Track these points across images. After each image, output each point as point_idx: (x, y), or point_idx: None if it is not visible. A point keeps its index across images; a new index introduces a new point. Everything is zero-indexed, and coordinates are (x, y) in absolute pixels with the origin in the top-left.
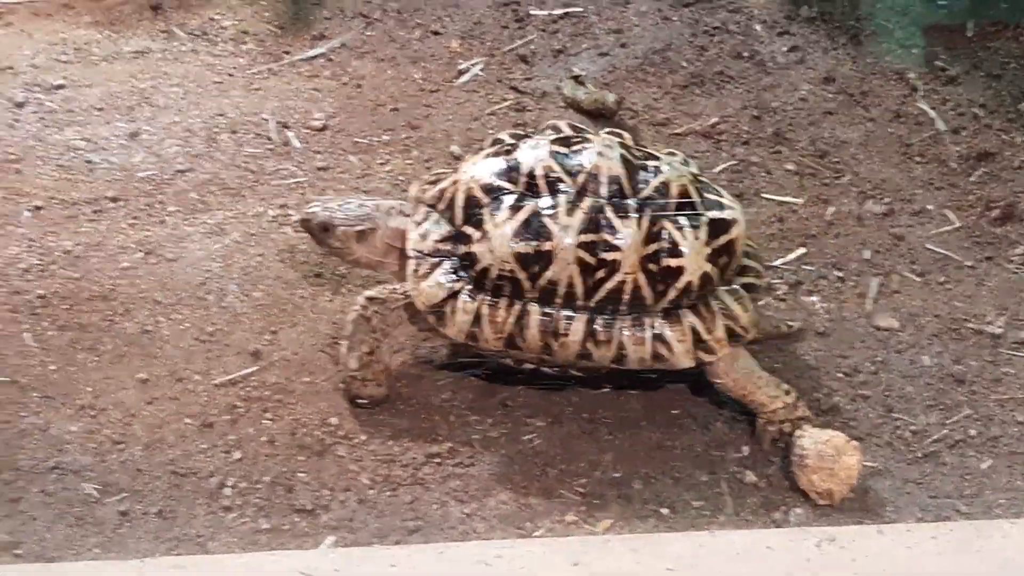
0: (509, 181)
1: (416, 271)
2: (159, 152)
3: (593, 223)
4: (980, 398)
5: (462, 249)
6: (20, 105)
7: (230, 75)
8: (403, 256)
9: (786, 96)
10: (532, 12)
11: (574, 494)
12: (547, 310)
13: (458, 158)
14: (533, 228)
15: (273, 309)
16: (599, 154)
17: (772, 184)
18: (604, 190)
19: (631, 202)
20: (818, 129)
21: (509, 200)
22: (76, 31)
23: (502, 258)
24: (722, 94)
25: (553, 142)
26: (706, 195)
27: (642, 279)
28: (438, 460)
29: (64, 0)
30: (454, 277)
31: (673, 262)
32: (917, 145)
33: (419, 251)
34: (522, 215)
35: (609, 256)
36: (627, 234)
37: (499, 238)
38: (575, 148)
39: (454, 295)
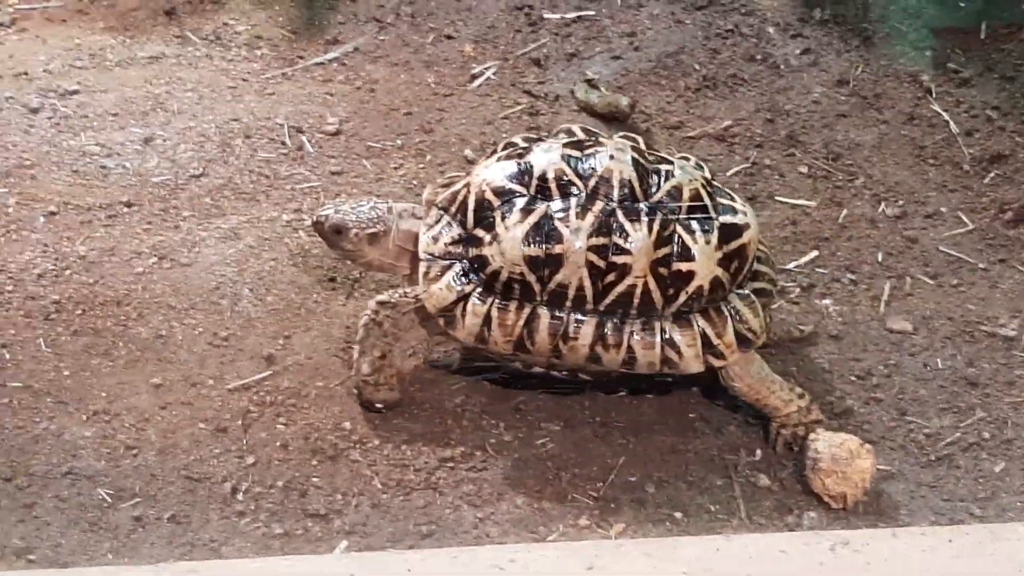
0: (521, 184)
1: (427, 274)
2: (173, 157)
3: (604, 226)
4: (994, 401)
5: (473, 252)
6: (35, 111)
7: (244, 80)
8: (415, 259)
9: (799, 99)
10: (545, 16)
11: (587, 498)
12: (557, 313)
13: (472, 162)
14: (544, 231)
15: (287, 313)
16: (611, 158)
17: (785, 187)
18: (615, 194)
19: (642, 206)
20: (831, 132)
21: (520, 203)
22: (90, 37)
23: (512, 261)
24: (735, 97)
25: (565, 145)
26: (718, 199)
27: (652, 283)
28: (451, 464)
29: (79, 6)
30: (464, 280)
31: (684, 266)
32: (930, 148)
33: (430, 254)
34: (533, 218)
35: (620, 260)
36: (638, 238)
37: (510, 241)
38: (587, 152)
39: (464, 298)
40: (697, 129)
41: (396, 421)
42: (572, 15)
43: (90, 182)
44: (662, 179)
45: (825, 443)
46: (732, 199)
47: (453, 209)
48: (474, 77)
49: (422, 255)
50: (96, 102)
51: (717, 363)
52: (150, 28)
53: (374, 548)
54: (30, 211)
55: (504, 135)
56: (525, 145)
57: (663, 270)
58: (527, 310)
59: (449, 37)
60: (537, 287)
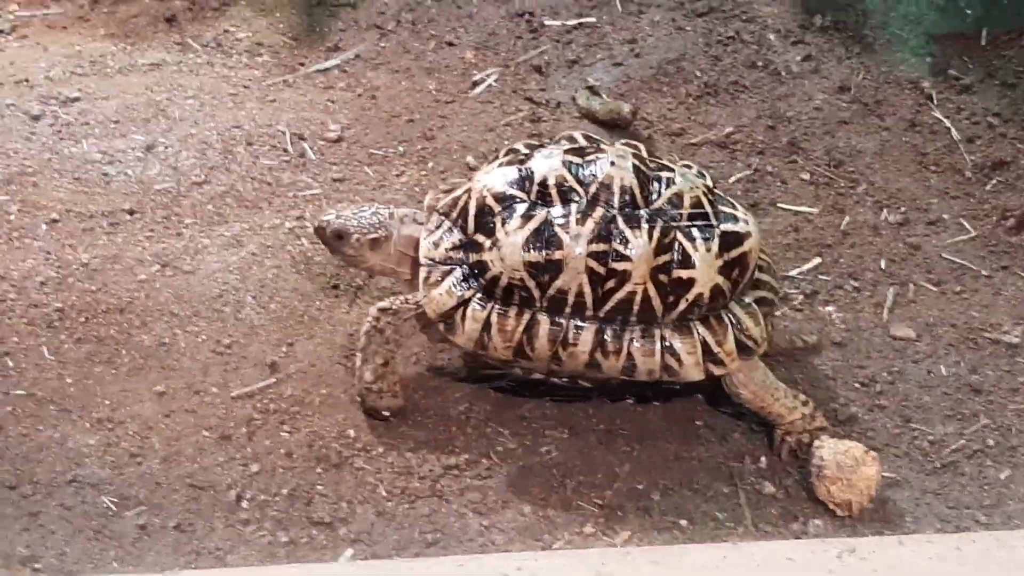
0: (521, 190)
1: (427, 279)
2: (175, 164)
3: (604, 233)
4: (998, 408)
5: (473, 257)
6: (36, 118)
7: (245, 87)
8: (416, 264)
9: (801, 105)
10: (546, 23)
11: (592, 506)
12: (557, 319)
13: (473, 169)
14: (544, 237)
15: (290, 321)
16: (612, 164)
17: (787, 194)
18: (616, 200)
19: (643, 212)
20: (833, 138)
21: (521, 209)
22: (91, 44)
23: (512, 266)
24: (737, 104)
25: (566, 152)
26: (720, 207)
27: (652, 290)
28: (456, 472)
29: (79, 13)
30: (465, 285)
31: (684, 273)
32: (932, 154)
33: (431, 259)
34: (533, 224)
35: (619, 266)
36: (638, 244)
37: (510, 246)
38: (588, 158)
39: (464, 303)
40: (699, 136)
41: (400, 428)
42: (573, 22)
43: (92, 189)
44: (663, 186)
45: (830, 450)
46: (734, 207)
47: (454, 214)
48: (475, 84)
49: (423, 260)
50: (97, 109)
51: (717, 371)
52: (151, 35)
53: (379, 556)
54: (32, 219)
55: (506, 142)
56: (526, 151)
57: (663, 277)
58: (527, 316)
59: (450, 44)
60: (537, 293)
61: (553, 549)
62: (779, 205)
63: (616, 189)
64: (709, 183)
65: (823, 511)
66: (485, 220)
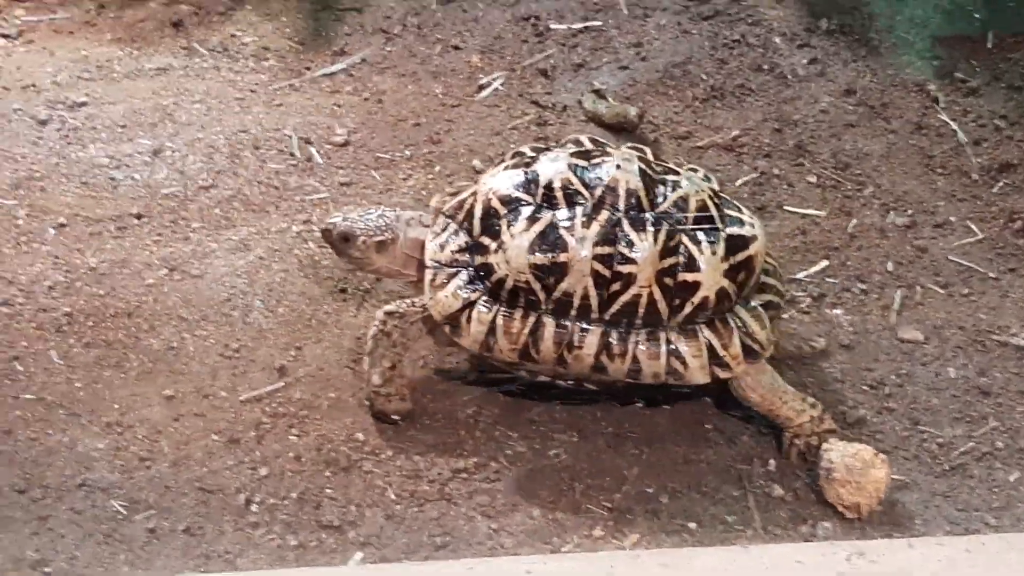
0: (527, 193)
1: (433, 281)
2: (182, 169)
3: (609, 236)
4: (1006, 410)
5: (479, 260)
6: (43, 123)
7: (252, 91)
8: (422, 267)
9: (807, 109)
10: (552, 26)
11: (601, 509)
12: (562, 322)
13: (480, 172)
14: (549, 240)
15: (298, 325)
16: (618, 167)
17: (794, 197)
18: (621, 203)
19: (648, 216)
20: (839, 141)
21: (526, 212)
22: (98, 49)
23: (518, 269)
24: (743, 107)
25: (572, 155)
26: (725, 211)
27: (658, 293)
28: (465, 475)
29: (86, 18)
30: (470, 287)
31: (689, 276)
32: (939, 157)
33: (437, 261)
34: (538, 226)
35: (625, 269)
36: (643, 247)
37: (515, 249)
38: (594, 161)
39: (470, 305)
40: (705, 139)
41: (409, 432)
42: (579, 25)
43: (99, 194)
44: (669, 190)
45: (839, 453)
46: (740, 211)
47: (460, 217)
48: (481, 88)
49: (428, 262)
50: (104, 114)
51: (723, 374)
52: (157, 40)
53: (388, 559)
54: (40, 223)
55: (512, 146)
56: (532, 154)
57: (668, 280)
58: (532, 318)
59: (456, 48)
60: (542, 295)
61: (562, 552)
62: (786, 208)
63: (622, 192)
64: (715, 187)
65: (832, 514)
66: (491, 223)
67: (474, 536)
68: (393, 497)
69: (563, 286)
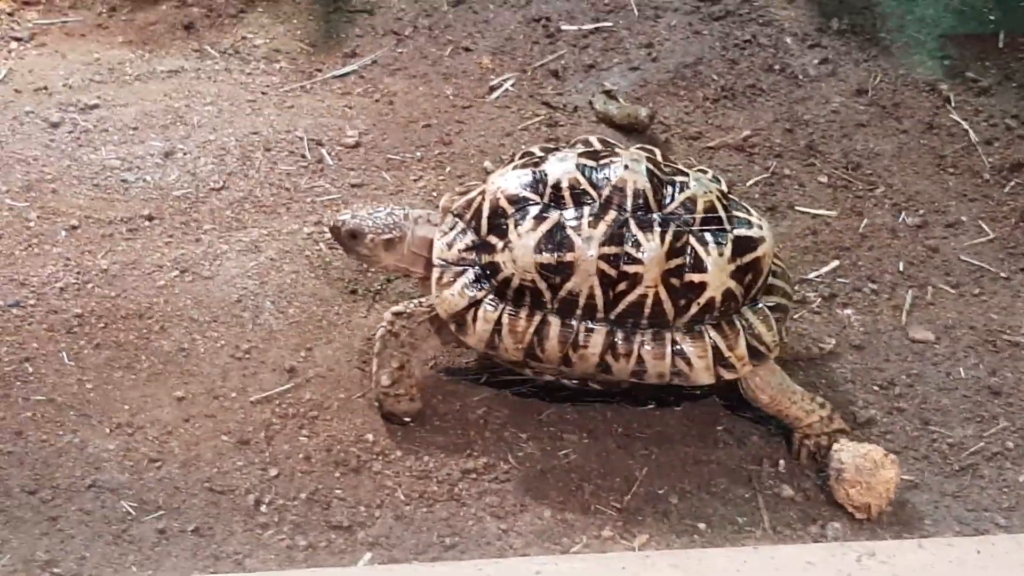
0: (535, 192)
1: (440, 279)
2: (194, 171)
3: (616, 236)
4: (1017, 410)
5: (485, 258)
6: (55, 125)
7: (263, 93)
8: (430, 265)
9: (818, 109)
10: (562, 27)
11: (611, 509)
12: (568, 321)
13: (491, 174)
14: (556, 239)
15: (308, 326)
16: (625, 168)
17: (805, 197)
18: (629, 204)
19: (655, 216)
20: (851, 141)
21: (534, 211)
22: (110, 51)
23: (524, 268)
24: (754, 107)
25: (580, 155)
26: (734, 212)
27: (664, 293)
28: (474, 476)
29: (98, 21)
30: (477, 286)
31: (696, 277)
32: (950, 157)
33: (444, 260)
34: (545, 226)
35: (631, 269)
36: (650, 248)
37: (522, 248)
38: (602, 162)
39: (476, 304)
40: (716, 140)
41: (418, 433)
42: (589, 26)
43: (111, 196)
44: (677, 190)
45: (849, 453)
46: (748, 212)
47: (467, 216)
48: (492, 89)
49: (436, 261)
50: (116, 116)
51: (728, 375)
52: (169, 42)
53: (398, 560)
54: (52, 225)
55: (523, 146)
56: (541, 154)
57: (675, 281)
58: (538, 317)
59: (467, 49)
60: (548, 295)
61: (572, 553)
62: (797, 208)
63: (629, 192)
64: (724, 188)
65: (842, 514)
66: (498, 222)
67: (483, 537)
68: (402, 498)
69: (569, 286)
